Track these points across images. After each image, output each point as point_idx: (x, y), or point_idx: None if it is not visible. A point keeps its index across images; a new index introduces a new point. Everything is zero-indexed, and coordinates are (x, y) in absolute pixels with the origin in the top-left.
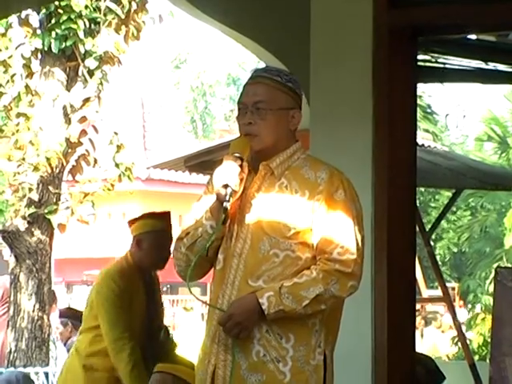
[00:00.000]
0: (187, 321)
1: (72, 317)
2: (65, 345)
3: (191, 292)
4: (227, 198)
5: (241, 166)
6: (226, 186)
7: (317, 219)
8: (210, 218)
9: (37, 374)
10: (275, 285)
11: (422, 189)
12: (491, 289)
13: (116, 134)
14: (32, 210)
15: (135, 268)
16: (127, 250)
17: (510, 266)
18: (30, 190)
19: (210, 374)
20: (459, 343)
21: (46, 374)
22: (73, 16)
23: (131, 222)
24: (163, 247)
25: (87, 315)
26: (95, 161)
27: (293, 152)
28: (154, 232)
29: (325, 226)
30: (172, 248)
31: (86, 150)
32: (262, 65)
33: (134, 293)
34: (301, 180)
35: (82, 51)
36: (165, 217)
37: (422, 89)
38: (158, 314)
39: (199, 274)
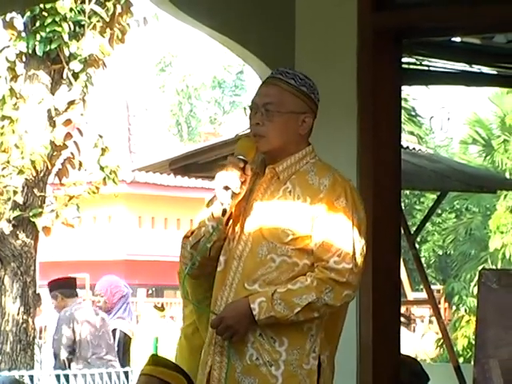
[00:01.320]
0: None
1: (58, 287)
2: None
3: (186, 294)
4: (227, 201)
5: (244, 168)
6: (226, 188)
7: (316, 226)
8: (211, 218)
9: (21, 377)
10: (268, 290)
11: (407, 191)
12: (476, 291)
13: (101, 136)
14: (17, 212)
15: None
16: None
17: (494, 268)
18: (15, 192)
19: (206, 375)
20: (444, 345)
21: (31, 377)
22: (57, 19)
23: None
24: None
25: None
26: (80, 164)
27: (302, 156)
28: None
29: (323, 234)
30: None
31: (71, 153)
32: (247, 68)
33: None
34: (305, 186)
35: (67, 54)
36: None
37: (407, 91)
38: None
39: (202, 272)
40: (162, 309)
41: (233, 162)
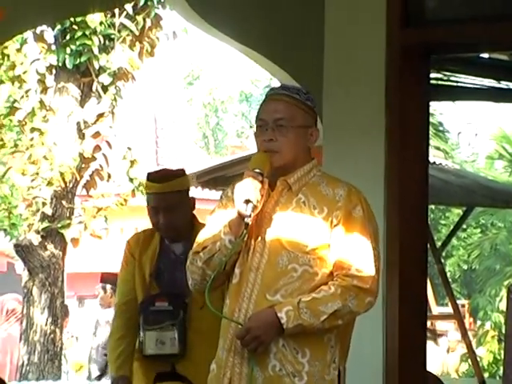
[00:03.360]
0: None
1: (112, 282)
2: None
3: (210, 306)
4: (249, 214)
5: (262, 182)
6: (247, 202)
7: (335, 235)
8: (229, 232)
9: None
10: (293, 299)
11: (433, 206)
12: (501, 306)
13: (129, 149)
14: (45, 224)
15: (154, 231)
16: None
17: None
18: (44, 204)
19: None
20: (469, 360)
21: None
22: (87, 32)
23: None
24: (154, 214)
25: None
26: (109, 176)
27: (310, 169)
28: (148, 194)
29: (343, 242)
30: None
31: (100, 165)
32: (275, 82)
33: (142, 259)
34: (319, 196)
35: (97, 67)
36: (157, 177)
37: (434, 107)
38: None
39: (215, 286)
40: None
41: (252, 175)
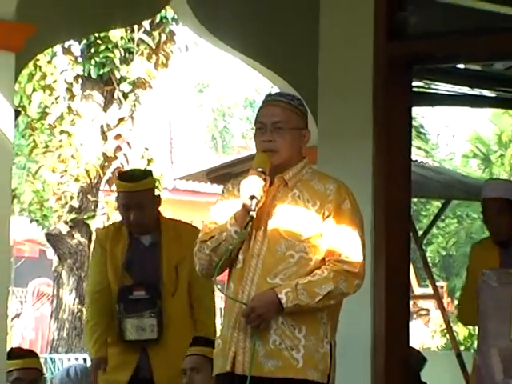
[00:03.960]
0: None
1: None
2: None
3: (218, 288)
4: (253, 208)
5: (265, 179)
6: (252, 198)
7: (327, 225)
8: (235, 224)
9: (76, 359)
10: (291, 282)
11: (415, 199)
12: None
13: (147, 149)
14: (73, 215)
15: (122, 225)
16: None
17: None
18: (71, 198)
19: (231, 360)
20: (447, 335)
21: (85, 360)
22: (110, 46)
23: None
24: (125, 211)
25: None
26: None
27: (302, 167)
28: (119, 194)
29: (334, 232)
30: (195, 248)
31: (121, 164)
32: (275, 90)
33: (112, 249)
34: (311, 191)
35: (118, 77)
36: (130, 177)
37: (416, 111)
38: (153, 273)
39: (220, 272)
40: None
41: (255, 173)
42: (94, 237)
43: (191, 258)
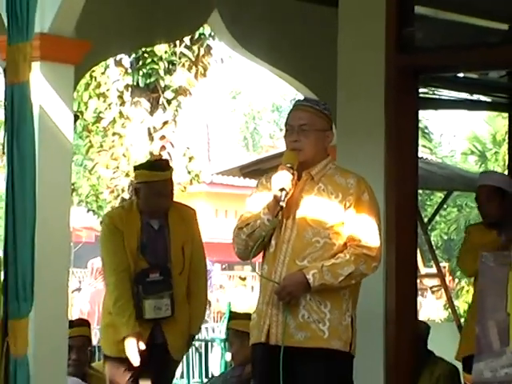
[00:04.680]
0: (240, 290)
1: None
2: None
3: (254, 269)
4: (283, 199)
5: (293, 174)
6: (282, 190)
7: (348, 215)
8: (267, 213)
9: None
10: (317, 264)
11: (421, 191)
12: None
13: (188, 148)
14: None
15: (137, 211)
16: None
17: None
18: (123, 190)
19: (266, 332)
20: (449, 309)
21: None
22: (155, 59)
23: (134, 169)
24: (157, 197)
25: None
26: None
27: (326, 163)
28: (147, 183)
29: (355, 220)
30: (234, 232)
31: None
32: (299, 96)
33: (127, 232)
34: (334, 185)
35: (162, 85)
36: (159, 168)
37: (422, 114)
38: (164, 255)
39: (255, 255)
40: (244, 279)
41: (285, 168)
42: (105, 220)
43: (193, 239)
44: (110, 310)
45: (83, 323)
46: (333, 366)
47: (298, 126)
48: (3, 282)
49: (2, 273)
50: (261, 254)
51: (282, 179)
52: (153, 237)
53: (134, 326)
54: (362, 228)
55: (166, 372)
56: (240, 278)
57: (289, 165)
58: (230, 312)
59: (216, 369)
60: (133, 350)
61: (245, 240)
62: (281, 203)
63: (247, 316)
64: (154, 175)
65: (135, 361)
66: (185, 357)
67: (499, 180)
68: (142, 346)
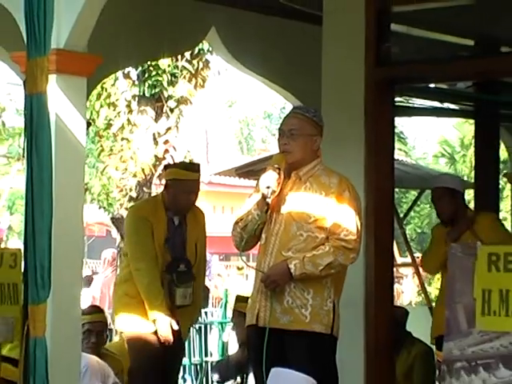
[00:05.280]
0: (236, 278)
1: None
2: None
3: (242, 259)
4: (269, 196)
5: (279, 173)
6: (268, 187)
7: (330, 210)
8: (257, 208)
9: None
10: (300, 255)
11: (397, 189)
12: None
13: (189, 151)
14: (132, 203)
15: (161, 206)
16: (160, 192)
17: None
18: (131, 189)
19: (255, 315)
20: (422, 294)
21: None
22: (159, 72)
23: (165, 167)
24: (187, 194)
25: (124, 244)
26: None
27: (315, 165)
28: (180, 181)
29: (335, 216)
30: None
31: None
32: (288, 105)
33: (156, 226)
34: (319, 184)
35: (166, 95)
36: (193, 168)
37: (397, 121)
38: (182, 249)
39: (249, 246)
40: (241, 268)
41: (272, 169)
42: (134, 211)
43: (201, 238)
44: (127, 292)
45: (101, 310)
46: (315, 347)
47: (288, 131)
48: (24, 271)
49: (23, 263)
50: (257, 247)
51: (269, 178)
52: (174, 232)
53: (166, 308)
54: (341, 222)
55: (180, 354)
56: (238, 268)
57: (276, 165)
58: (237, 295)
59: (214, 349)
60: (167, 329)
61: (240, 233)
62: (267, 200)
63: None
64: (187, 174)
65: (169, 339)
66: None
67: (448, 181)
68: (176, 326)
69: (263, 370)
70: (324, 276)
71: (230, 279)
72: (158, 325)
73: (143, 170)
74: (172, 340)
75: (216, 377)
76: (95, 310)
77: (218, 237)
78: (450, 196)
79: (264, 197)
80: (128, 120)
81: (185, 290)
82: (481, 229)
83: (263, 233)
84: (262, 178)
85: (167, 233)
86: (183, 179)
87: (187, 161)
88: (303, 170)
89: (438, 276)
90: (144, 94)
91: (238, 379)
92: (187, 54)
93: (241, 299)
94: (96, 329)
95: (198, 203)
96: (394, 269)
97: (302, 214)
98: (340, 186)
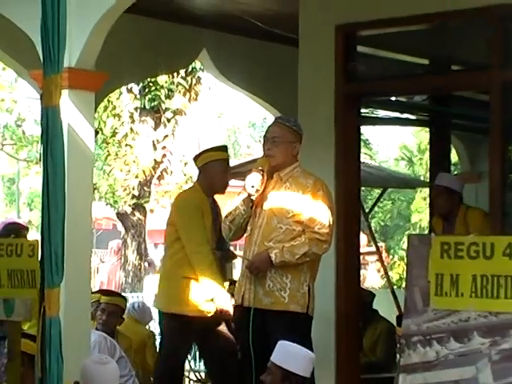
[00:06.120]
0: None
1: None
2: None
3: (230, 250)
4: (254, 194)
5: (262, 175)
6: (253, 187)
7: (306, 207)
8: (243, 205)
9: (138, 297)
10: (280, 245)
11: (363, 188)
12: (404, 246)
13: (183, 156)
14: (134, 200)
15: (203, 193)
16: (195, 182)
17: (414, 233)
18: (133, 189)
19: (241, 296)
20: (385, 279)
21: (143, 297)
22: (158, 87)
23: (197, 156)
24: (223, 174)
25: (169, 233)
26: (171, 172)
27: (294, 167)
28: (215, 161)
29: (311, 211)
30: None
31: (166, 166)
32: (269, 116)
33: (204, 211)
34: (297, 184)
35: (163, 108)
36: (222, 149)
37: (363, 129)
38: (215, 231)
39: (237, 237)
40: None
41: (256, 170)
42: (187, 201)
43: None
44: (185, 275)
45: (122, 297)
46: (292, 324)
47: (271, 138)
48: (40, 259)
49: (40, 252)
50: (244, 237)
51: (254, 179)
52: (215, 214)
53: (224, 287)
54: (316, 218)
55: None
56: None
57: (260, 168)
58: (229, 279)
59: None
60: (229, 302)
61: (229, 225)
62: (252, 197)
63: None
64: (220, 154)
65: (230, 312)
66: None
67: (447, 181)
68: (233, 302)
69: (250, 346)
70: (300, 263)
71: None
72: (219, 300)
73: (144, 171)
74: (232, 313)
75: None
76: (115, 294)
77: None
78: (448, 195)
79: (249, 195)
80: (131, 129)
81: (231, 265)
82: (471, 223)
83: (249, 225)
84: (247, 179)
85: (211, 215)
86: (217, 159)
87: (182, 165)
88: (284, 172)
89: (399, 262)
90: (145, 106)
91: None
92: (182, 72)
93: (233, 282)
94: (109, 309)
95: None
96: (361, 256)
97: (282, 210)
98: (315, 186)
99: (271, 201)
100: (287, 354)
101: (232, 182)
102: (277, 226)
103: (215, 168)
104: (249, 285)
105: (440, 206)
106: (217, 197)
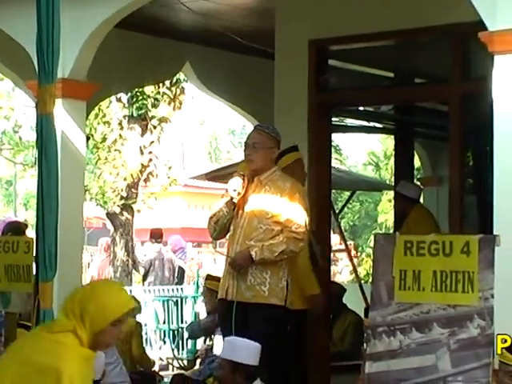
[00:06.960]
0: (207, 261)
1: (158, 235)
2: None
3: (214, 248)
4: (235, 197)
5: (243, 179)
6: (235, 190)
7: (284, 208)
8: (226, 207)
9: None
10: (260, 244)
11: (334, 190)
12: (371, 244)
13: (168, 160)
14: (122, 201)
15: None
16: None
17: (380, 232)
18: (122, 190)
19: (225, 291)
20: (353, 274)
21: (130, 290)
22: (145, 96)
23: (281, 155)
24: (302, 169)
25: None
26: (157, 175)
27: (273, 171)
28: (299, 159)
29: (288, 213)
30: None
31: (152, 170)
32: (248, 124)
33: None
34: (276, 187)
35: (150, 116)
36: (297, 148)
37: (334, 136)
38: None
39: (221, 236)
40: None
41: (237, 175)
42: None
43: None
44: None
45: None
46: (272, 316)
47: (251, 144)
48: (35, 255)
49: (35, 249)
50: (227, 236)
51: (235, 183)
52: None
53: None
54: (293, 218)
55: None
56: (212, 253)
57: (241, 172)
58: (207, 275)
59: (188, 317)
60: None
61: (213, 226)
62: (234, 200)
63: (216, 278)
64: (300, 153)
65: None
66: (166, 307)
67: (400, 187)
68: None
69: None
70: (279, 260)
71: (201, 262)
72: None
73: (131, 174)
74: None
75: (187, 334)
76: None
77: (192, 228)
78: (399, 198)
79: (232, 198)
80: (120, 135)
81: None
82: (411, 221)
83: (231, 226)
84: (229, 183)
85: None
86: (300, 158)
87: (185, 164)
88: (263, 176)
89: (366, 259)
90: (132, 114)
91: (208, 341)
92: (167, 83)
93: (210, 278)
94: None
95: (176, 201)
96: (332, 254)
97: (262, 211)
98: (292, 189)
99: (252, 203)
100: (233, 348)
101: (214, 185)
102: (257, 226)
103: (299, 165)
104: (232, 280)
105: (395, 209)
106: (203, 199)
